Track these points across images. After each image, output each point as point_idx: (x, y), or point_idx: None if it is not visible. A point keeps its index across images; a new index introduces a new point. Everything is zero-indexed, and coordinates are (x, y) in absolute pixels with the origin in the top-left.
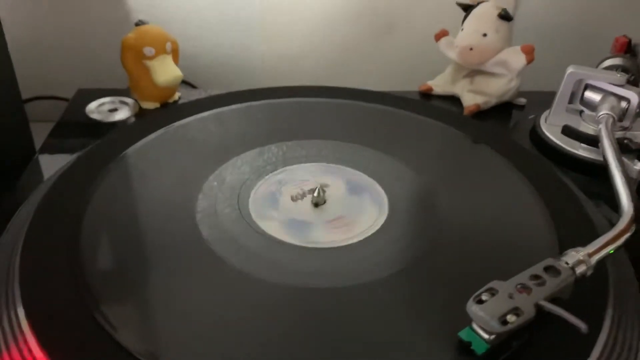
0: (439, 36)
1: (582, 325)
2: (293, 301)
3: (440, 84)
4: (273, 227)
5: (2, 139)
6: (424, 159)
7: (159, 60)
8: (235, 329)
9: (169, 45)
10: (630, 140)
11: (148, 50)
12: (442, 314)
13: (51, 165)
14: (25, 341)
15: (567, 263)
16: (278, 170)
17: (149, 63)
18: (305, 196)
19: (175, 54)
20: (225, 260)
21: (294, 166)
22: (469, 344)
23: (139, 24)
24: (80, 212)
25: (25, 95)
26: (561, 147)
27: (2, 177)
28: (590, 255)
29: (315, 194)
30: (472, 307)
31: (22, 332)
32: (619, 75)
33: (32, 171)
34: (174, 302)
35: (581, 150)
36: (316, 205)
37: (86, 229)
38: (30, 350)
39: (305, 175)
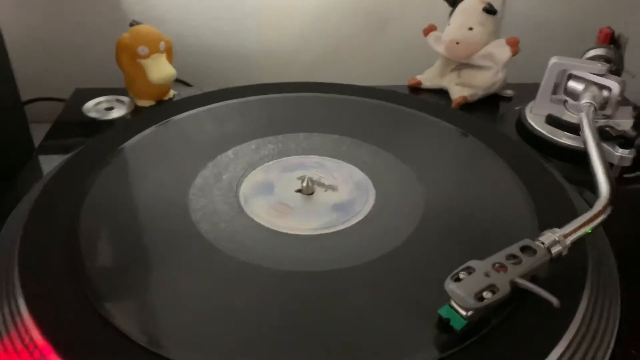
0: (427, 31)
1: (554, 300)
2: (286, 286)
3: (429, 78)
4: (266, 218)
5: (3, 141)
6: (412, 150)
7: (153, 59)
8: (231, 315)
9: (162, 45)
10: (611, 127)
11: (142, 50)
12: (427, 293)
13: (50, 162)
14: (26, 329)
15: (542, 243)
16: (270, 163)
17: (143, 62)
18: (297, 186)
19: (169, 52)
20: (220, 250)
21: (286, 158)
22: (448, 320)
23: (133, 24)
24: (77, 205)
25: (24, 97)
26: (545, 135)
27: (3, 177)
28: (565, 236)
29: (304, 184)
30: (450, 285)
31: (22, 321)
32: (600, 65)
33: (31, 169)
34: (169, 289)
35: (564, 139)
36: (307, 194)
37: (83, 221)
38: (31, 337)
39: (297, 166)
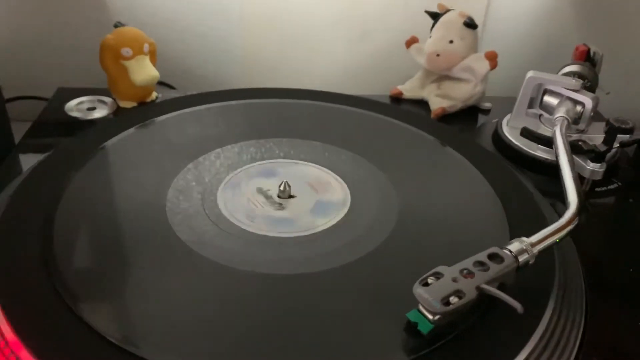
0: (409, 43)
1: (517, 306)
2: (260, 288)
3: (409, 89)
4: (243, 220)
5: None
6: (390, 158)
7: (137, 60)
8: (205, 316)
9: (146, 47)
10: (584, 142)
11: (126, 51)
12: (397, 297)
13: (29, 161)
14: None
15: (510, 251)
16: (249, 166)
17: (126, 63)
18: (274, 190)
19: (152, 55)
20: (197, 252)
21: (265, 162)
22: (416, 324)
23: (117, 25)
24: (53, 203)
25: (6, 95)
26: (520, 148)
27: None
28: (533, 245)
29: (282, 188)
30: (418, 290)
31: None
32: (575, 81)
33: (8, 166)
34: (143, 288)
35: (539, 151)
36: (283, 198)
37: (59, 220)
38: (2, 334)
39: (276, 170)
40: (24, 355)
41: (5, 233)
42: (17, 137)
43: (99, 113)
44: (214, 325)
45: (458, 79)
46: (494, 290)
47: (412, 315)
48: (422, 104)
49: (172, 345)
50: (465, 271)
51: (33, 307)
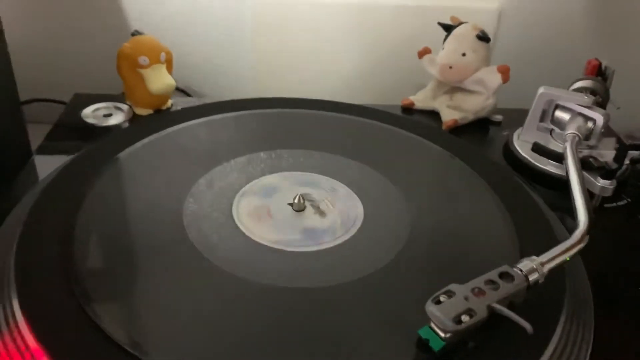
0: (422, 54)
1: (527, 327)
2: (272, 300)
3: (421, 99)
4: (256, 231)
5: (0, 140)
6: (400, 170)
7: (153, 69)
8: (218, 324)
9: (162, 55)
10: (594, 158)
11: (143, 60)
12: (408, 313)
13: (46, 166)
14: (20, 333)
15: (521, 270)
16: (264, 177)
17: (143, 72)
18: (288, 202)
19: (169, 63)
20: (210, 261)
21: (279, 174)
22: (427, 341)
23: (134, 34)
24: (73, 212)
25: (22, 97)
26: (531, 162)
27: (2, 182)
28: (543, 264)
29: (296, 201)
30: (430, 307)
31: (16, 324)
32: (586, 97)
33: (28, 172)
34: (160, 298)
35: (549, 167)
36: (297, 211)
37: (78, 228)
38: (24, 341)
39: (289, 182)
40: None
41: (27, 240)
42: (33, 138)
43: (115, 120)
44: (226, 335)
45: (470, 91)
46: (504, 310)
47: (423, 332)
48: (434, 114)
49: (185, 355)
50: (476, 289)
51: (55, 317)
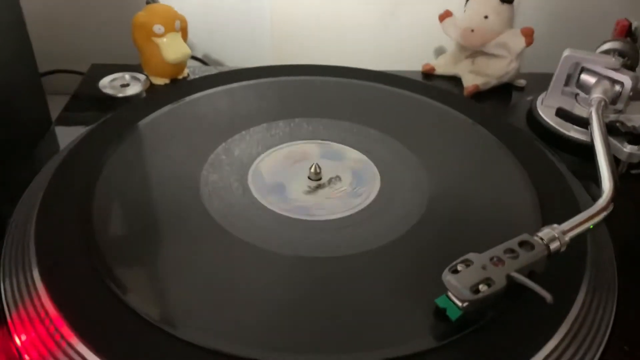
0: (443, 17)
1: (547, 296)
2: (291, 269)
3: (442, 65)
4: (273, 200)
5: (21, 111)
6: (420, 138)
7: (169, 37)
8: (235, 294)
9: (177, 24)
10: (622, 123)
11: (158, 28)
12: (427, 282)
13: (66, 136)
14: (40, 300)
15: (541, 239)
16: (282, 146)
17: (158, 40)
18: (305, 172)
19: (184, 31)
20: (227, 230)
21: (298, 142)
22: (444, 310)
23: (149, 2)
24: (92, 181)
25: (41, 69)
26: (555, 128)
27: (21, 147)
28: (564, 232)
29: (313, 170)
30: (447, 277)
31: (37, 292)
32: (614, 59)
33: (48, 142)
34: (178, 266)
35: (573, 132)
36: (314, 180)
37: (98, 197)
38: (44, 308)
39: (307, 151)
40: (65, 331)
41: (47, 208)
42: (52, 109)
43: (132, 90)
44: (242, 302)
45: (492, 55)
46: (523, 279)
47: (441, 301)
48: (455, 80)
49: (208, 328)
50: (495, 259)
51: (74, 284)
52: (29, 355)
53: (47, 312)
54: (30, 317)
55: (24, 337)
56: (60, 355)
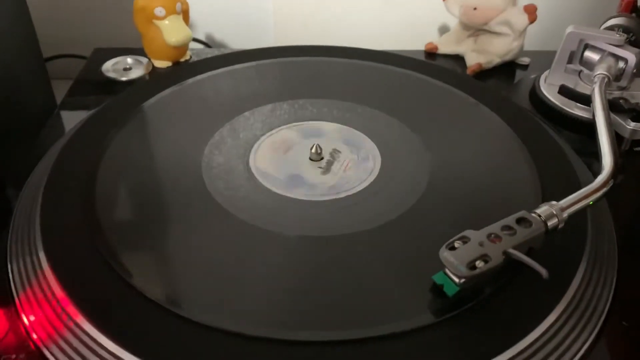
0: None
1: (543, 272)
2: (291, 249)
3: (445, 43)
4: (277, 181)
5: (26, 96)
6: (422, 117)
7: (170, 20)
8: (238, 275)
9: (179, 6)
10: (625, 100)
11: (159, 11)
12: (426, 260)
13: (70, 120)
14: (47, 282)
15: (539, 216)
16: (283, 127)
17: (160, 23)
18: (306, 152)
19: (185, 14)
20: (230, 211)
21: (298, 123)
22: (441, 286)
23: None
24: (95, 163)
25: (45, 54)
26: (558, 106)
27: (26, 131)
28: (563, 209)
29: (314, 150)
30: (444, 253)
31: (43, 273)
32: (618, 35)
33: (52, 126)
34: (181, 247)
35: (577, 110)
36: (315, 160)
37: (101, 179)
38: (51, 289)
39: (309, 131)
40: (72, 311)
41: (52, 194)
42: (57, 93)
43: (134, 74)
44: (243, 283)
45: (495, 33)
46: (520, 255)
47: (438, 278)
48: (458, 59)
49: (206, 303)
50: (492, 235)
51: (79, 266)
52: (37, 334)
53: (53, 293)
54: (38, 298)
55: (32, 318)
56: (67, 334)
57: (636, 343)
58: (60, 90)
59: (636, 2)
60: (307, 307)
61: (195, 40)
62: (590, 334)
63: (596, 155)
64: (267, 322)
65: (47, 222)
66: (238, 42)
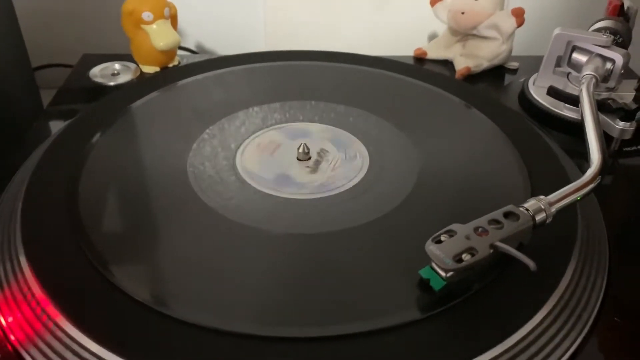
0: (434, 1)
1: (530, 264)
2: (281, 247)
3: (434, 49)
4: (264, 182)
5: (14, 106)
6: (412, 120)
7: (158, 24)
8: (225, 273)
9: (167, 11)
10: (613, 100)
11: (147, 15)
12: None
13: (56, 124)
14: (26, 281)
15: (527, 210)
16: (271, 129)
17: (147, 28)
18: (294, 152)
19: (173, 18)
20: (215, 209)
21: (287, 125)
22: (428, 281)
23: None
24: (79, 164)
25: (34, 63)
26: (546, 107)
27: (14, 141)
28: (551, 204)
29: (301, 150)
30: (430, 247)
31: (23, 273)
32: (605, 36)
33: (37, 129)
34: (164, 246)
35: (565, 111)
36: (302, 160)
37: (85, 179)
38: (30, 289)
39: (297, 133)
40: (52, 311)
41: (34, 194)
42: (46, 104)
43: (122, 78)
44: (229, 281)
45: (484, 38)
46: (507, 248)
47: (424, 272)
48: (447, 64)
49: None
50: (479, 229)
51: (59, 265)
52: (15, 336)
53: (33, 294)
54: (16, 298)
55: (10, 319)
56: (46, 335)
57: (628, 338)
58: (48, 100)
59: (623, 5)
60: (296, 304)
61: (183, 48)
62: (582, 329)
63: (585, 156)
64: (254, 319)
65: (27, 222)
66: (229, 51)
